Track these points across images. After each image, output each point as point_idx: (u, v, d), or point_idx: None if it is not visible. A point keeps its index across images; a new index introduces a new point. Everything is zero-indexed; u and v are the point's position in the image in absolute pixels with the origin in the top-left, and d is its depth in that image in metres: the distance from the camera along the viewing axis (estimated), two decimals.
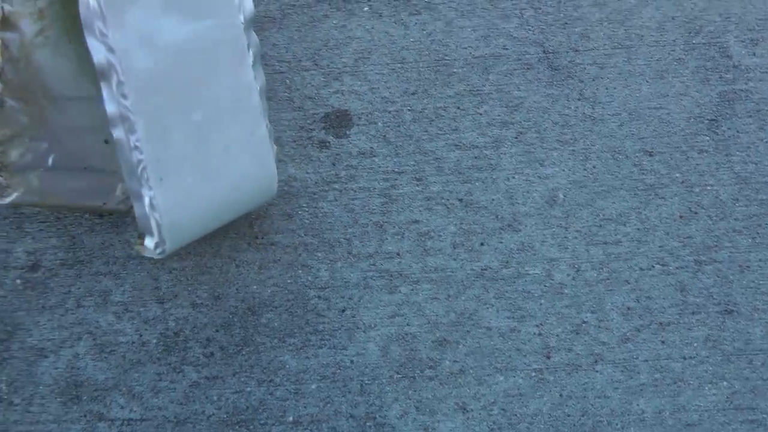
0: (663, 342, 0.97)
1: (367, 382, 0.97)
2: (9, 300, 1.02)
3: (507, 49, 1.14)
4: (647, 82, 1.11)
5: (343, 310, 1.00)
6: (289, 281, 1.02)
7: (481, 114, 1.10)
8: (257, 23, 1.14)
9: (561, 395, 0.95)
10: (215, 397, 0.96)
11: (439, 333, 0.98)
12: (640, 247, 1.01)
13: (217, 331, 0.99)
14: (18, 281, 1.04)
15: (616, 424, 0.94)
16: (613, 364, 0.95)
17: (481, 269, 1.02)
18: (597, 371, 0.96)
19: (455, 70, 1.12)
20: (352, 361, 0.98)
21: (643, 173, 1.05)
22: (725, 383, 0.95)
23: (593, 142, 1.08)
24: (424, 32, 1.15)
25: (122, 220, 1.06)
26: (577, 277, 1.00)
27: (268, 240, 1.04)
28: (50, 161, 0.94)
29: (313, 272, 1.02)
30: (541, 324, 0.98)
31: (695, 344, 0.96)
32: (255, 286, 1.01)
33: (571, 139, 1.08)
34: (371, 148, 1.08)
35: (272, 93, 1.11)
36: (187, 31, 0.78)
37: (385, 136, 1.09)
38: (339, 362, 0.97)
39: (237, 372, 0.97)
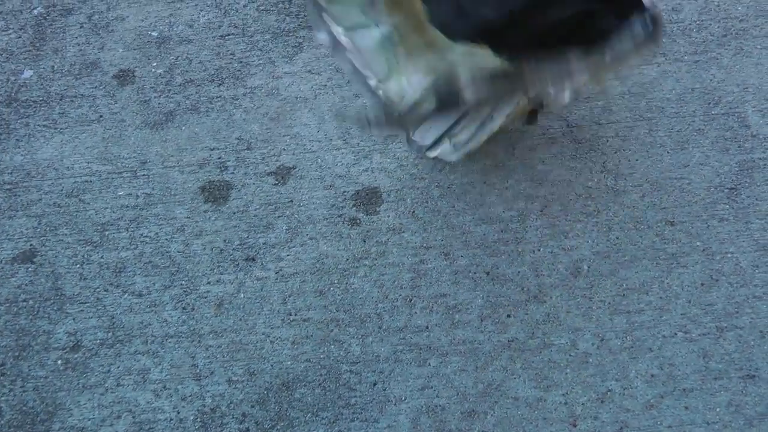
0: (686, 408, 1.16)
1: None
2: (50, 381, 1.25)
3: (531, 123, 1.38)
4: (668, 152, 1.34)
5: (374, 384, 1.21)
6: (321, 356, 1.24)
7: (506, 188, 1.34)
8: (290, 103, 1.39)
9: None
10: None
11: (468, 404, 1.19)
12: (663, 315, 1.22)
13: (252, 406, 1.21)
14: (59, 362, 1.27)
15: None
16: (639, 431, 1.15)
17: (508, 340, 1.23)
18: None
19: (482, 144, 1.36)
20: None
21: (664, 242, 1.27)
22: None
23: (616, 213, 1.30)
24: None
25: (160, 299, 1.29)
26: (602, 346, 1.21)
27: (301, 316, 1.26)
28: None
29: (344, 347, 1.24)
30: (566, 393, 1.18)
31: (718, 409, 1.16)
32: (289, 362, 1.23)
33: (595, 210, 1.30)
34: (400, 224, 1.31)
35: (304, 172, 1.35)
36: None
37: (413, 212, 1.32)
38: None
39: None
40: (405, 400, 1.15)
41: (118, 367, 1.22)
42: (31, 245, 1.31)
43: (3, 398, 1.22)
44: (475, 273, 1.24)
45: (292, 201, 1.31)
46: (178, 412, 1.18)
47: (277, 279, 1.25)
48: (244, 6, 1.50)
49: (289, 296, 1.23)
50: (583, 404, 1.13)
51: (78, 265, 1.29)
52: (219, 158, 1.35)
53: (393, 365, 1.18)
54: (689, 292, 1.19)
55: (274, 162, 1.34)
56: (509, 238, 1.26)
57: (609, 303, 1.20)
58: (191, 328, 1.23)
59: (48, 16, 1.53)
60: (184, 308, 1.24)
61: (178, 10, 1.50)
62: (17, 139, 1.40)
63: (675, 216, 1.25)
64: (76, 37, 1.51)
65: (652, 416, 1.12)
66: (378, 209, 1.29)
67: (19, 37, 1.52)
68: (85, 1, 1.53)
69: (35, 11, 1.53)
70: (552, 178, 1.29)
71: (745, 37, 1.38)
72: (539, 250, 1.25)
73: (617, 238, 1.24)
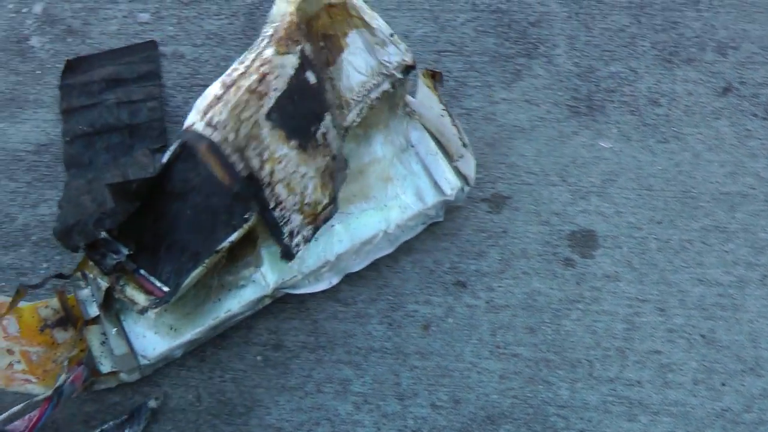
0: None
1: None
2: (249, 375, 1.42)
3: (754, 188, 1.56)
4: None
5: None
6: (529, 395, 1.41)
7: (726, 252, 1.51)
8: (506, 131, 1.59)
9: None
10: None
11: None
12: None
13: None
14: (259, 357, 1.45)
15: None
16: None
17: (722, 410, 1.40)
18: None
19: (702, 203, 1.54)
20: None
21: None
22: None
23: None
24: (672, 161, 1.58)
25: (366, 311, 1.47)
26: None
27: (510, 351, 1.44)
28: None
29: (553, 389, 1.41)
30: None
31: None
32: (495, 396, 1.40)
33: None
34: (616, 272, 1.49)
35: (519, 204, 1.54)
36: None
37: (629, 261, 1.50)
38: None
39: None
40: None
41: (319, 373, 1.39)
42: None
43: (202, 384, 1.39)
44: (690, 334, 1.41)
45: (506, 231, 1.48)
46: (379, 429, 1.35)
47: (487, 309, 1.42)
48: (462, 24, 1.69)
49: (499, 328, 1.41)
50: None
51: None
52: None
53: (602, 415, 1.35)
54: None
55: (489, 189, 1.52)
56: (727, 303, 1.43)
57: None
58: (396, 346, 1.40)
59: (261, 5, 1.73)
60: (390, 324, 1.42)
61: (394, 18, 1.70)
62: None
63: None
64: None
65: None
66: (593, 253, 1.47)
67: (231, 24, 1.72)
68: None
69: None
70: None
71: None
72: (758, 320, 1.42)
73: None
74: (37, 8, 1.77)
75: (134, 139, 1.62)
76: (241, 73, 1.24)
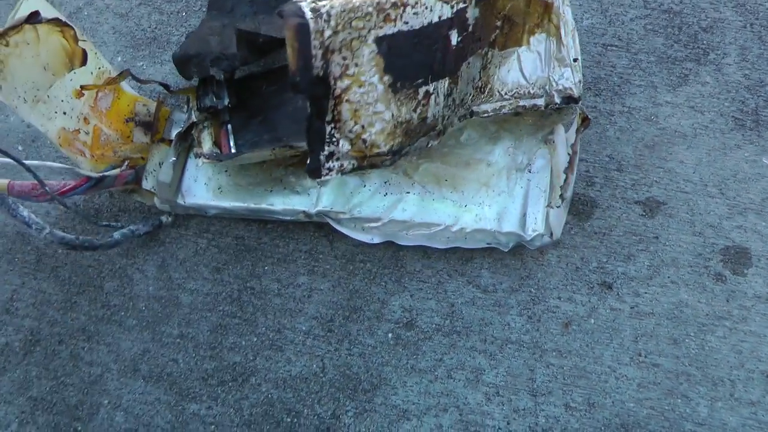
0: None
1: None
2: (378, 352, 1.50)
3: None
4: None
5: None
6: (666, 407, 1.47)
7: None
8: (668, 135, 1.65)
9: None
10: None
11: None
12: None
13: None
14: (390, 335, 1.52)
15: None
16: None
17: None
18: None
19: None
20: None
21: None
22: None
23: None
24: None
25: (506, 300, 1.55)
26: None
27: (650, 360, 1.50)
28: None
29: (692, 405, 1.47)
30: None
31: None
32: (632, 404, 1.47)
33: None
34: None
35: (674, 211, 1.59)
36: None
37: None
38: None
39: None
40: None
41: (452, 358, 1.46)
42: None
43: (327, 355, 1.47)
44: None
45: (657, 237, 1.54)
46: (509, 423, 1.42)
47: (631, 314, 1.48)
48: (631, 20, 1.75)
49: (642, 336, 1.47)
50: None
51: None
52: (586, 171, 1.59)
53: None
54: None
55: (644, 192, 1.58)
56: None
57: None
58: (534, 340, 1.47)
59: None
60: (529, 317, 1.48)
61: None
62: None
63: None
64: None
65: None
66: (746, 271, 1.52)
67: None
68: None
69: None
70: None
71: None
72: None
73: None
74: None
75: (280, 2, 1.63)
76: None
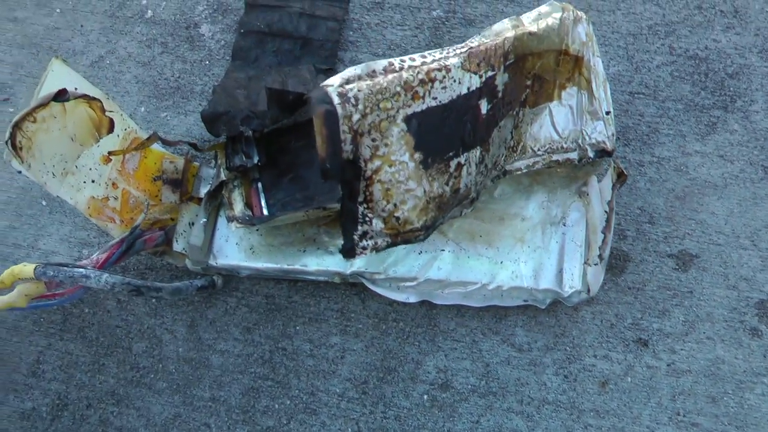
0: None
1: None
2: (414, 414, 1.48)
3: None
4: None
5: None
6: None
7: None
8: (698, 185, 1.63)
9: None
10: None
11: None
12: None
13: None
14: (425, 397, 1.50)
15: None
16: None
17: None
18: None
19: None
20: None
21: None
22: None
23: None
24: None
25: (541, 360, 1.53)
26: None
27: (689, 419, 1.48)
28: None
29: None
30: None
31: None
32: None
33: None
34: None
35: (707, 264, 1.58)
36: None
37: None
38: None
39: None
40: None
41: (489, 420, 1.45)
42: None
43: (362, 419, 1.45)
44: None
45: (692, 292, 1.53)
46: None
47: (668, 372, 1.47)
48: (657, 67, 1.73)
49: (680, 394, 1.45)
50: None
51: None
52: (618, 224, 1.58)
53: None
54: None
55: (677, 245, 1.56)
56: None
57: None
58: (571, 400, 1.46)
59: (447, 21, 1.78)
60: (566, 376, 1.47)
61: None
62: None
63: None
64: None
65: None
66: None
67: (415, 36, 1.77)
68: (488, 15, 1.77)
69: (434, 13, 1.79)
70: None
71: None
72: None
73: None
74: None
75: (304, 52, 1.71)
76: (411, 66, 1.22)
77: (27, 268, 1.27)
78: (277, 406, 1.44)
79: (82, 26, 1.81)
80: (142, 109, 1.70)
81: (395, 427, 1.45)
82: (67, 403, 1.47)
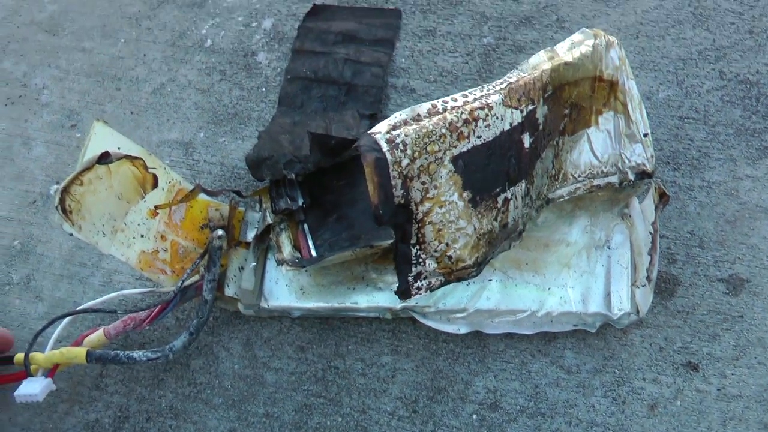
0: None
1: None
2: None
3: None
4: None
5: None
6: None
7: None
8: (749, 210, 1.61)
9: None
10: None
11: None
12: None
13: None
14: (474, 416, 1.49)
15: None
16: None
17: None
18: None
19: None
20: None
21: None
22: None
23: None
24: None
25: (590, 382, 1.51)
26: None
27: None
28: None
29: None
30: None
31: None
32: None
33: None
34: None
35: (759, 289, 1.54)
36: None
37: None
38: None
39: None
40: None
41: None
42: None
43: None
44: None
45: (742, 316, 1.50)
46: None
47: (718, 397, 1.44)
48: (708, 91, 1.71)
49: (730, 419, 1.42)
50: None
51: None
52: (668, 248, 1.56)
53: None
54: None
55: (727, 269, 1.54)
56: None
57: None
58: (620, 423, 1.44)
59: (497, 48, 1.78)
60: (614, 399, 1.45)
61: (636, 77, 1.73)
62: None
63: None
64: None
65: None
66: None
67: (466, 63, 1.78)
68: (539, 42, 1.77)
69: (484, 40, 1.79)
70: None
71: None
72: None
73: None
74: (267, 23, 1.88)
75: (349, 98, 1.72)
76: (454, 106, 1.24)
77: (81, 355, 1.36)
78: (329, 423, 1.45)
79: (144, 55, 1.85)
80: (201, 134, 1.73)
81: None
82: (128, 415, 1.50)
